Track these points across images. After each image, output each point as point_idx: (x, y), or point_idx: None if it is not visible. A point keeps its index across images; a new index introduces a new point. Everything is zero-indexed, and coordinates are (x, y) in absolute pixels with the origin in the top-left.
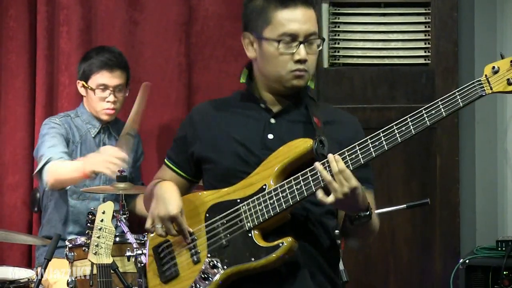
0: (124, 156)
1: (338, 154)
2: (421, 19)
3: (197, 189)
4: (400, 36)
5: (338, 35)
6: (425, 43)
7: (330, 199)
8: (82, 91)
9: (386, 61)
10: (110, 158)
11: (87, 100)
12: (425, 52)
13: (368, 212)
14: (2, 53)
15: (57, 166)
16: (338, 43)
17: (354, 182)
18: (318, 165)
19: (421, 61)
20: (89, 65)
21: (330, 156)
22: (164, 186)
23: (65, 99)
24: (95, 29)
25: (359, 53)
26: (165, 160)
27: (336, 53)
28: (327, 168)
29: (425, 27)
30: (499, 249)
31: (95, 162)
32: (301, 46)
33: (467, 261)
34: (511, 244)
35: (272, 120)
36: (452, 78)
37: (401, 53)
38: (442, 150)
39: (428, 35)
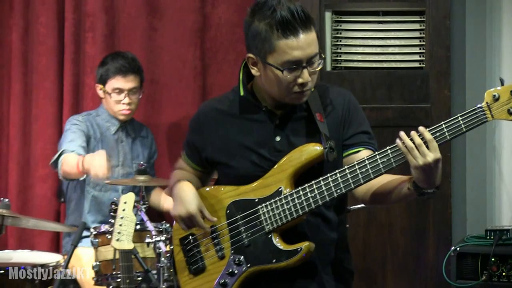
0: (104, 173)
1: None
2: (416, 26)
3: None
4: (397, 42)
5: (340, 41)
6: (420, 49)
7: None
8: (100, 93)
9: (384, 64)
10: (96, 170)
11: (105, 101)
12: (420, 56)
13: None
14: (33, 56)
15: (66, 159)
16: (340, 48)
17: (439, 154)
18: (401, 140)
19: (416, 65)
20: (105, 71)
21: (421, 128)
22: (182, 187)
23: (90, 99)
24: (118, 35)
25: (359, 57)
26: (182, 154)
27: (338, 57)
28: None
29: (420, 33)
30: (488, 237)
31: (88, 162)
32: (305, 70)
33: (458, 248)
34: (499, 233)
35: (277, 122)
36: (444, 81)
37: (398, 57)
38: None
39: (423, 41)
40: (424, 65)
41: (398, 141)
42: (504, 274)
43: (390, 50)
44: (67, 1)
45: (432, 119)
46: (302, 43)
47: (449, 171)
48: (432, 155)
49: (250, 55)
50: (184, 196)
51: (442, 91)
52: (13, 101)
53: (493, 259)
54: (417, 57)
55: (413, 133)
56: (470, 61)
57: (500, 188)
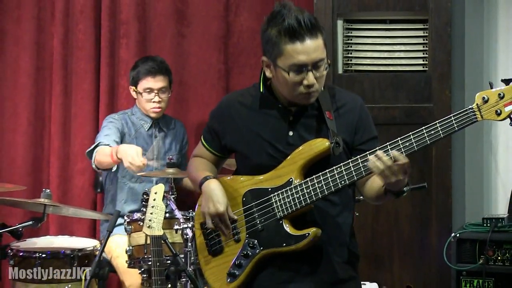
0: (138, 165)
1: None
2: (420, 33)
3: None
4: (403, 47)
5: (351, 46)
6: (423, 53)
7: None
8: (133, 94)
9: (391, 68)
10: (131, 160)
11: (138, 101)
12: (423, 60)
13: (408, 187)
14: (73, 60)
15: (101, 149)
16: (351, 53)
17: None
18: (375, 158)
19: (420, 68)
20: (136, 73)
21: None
22: (212, 186)
23: (124, 99)
24: (149, 41)
25: (368, 61)
26: (202, 139)
27: (349, 61)
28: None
29: (423, 40)
30: (485, 225)
31: (123, 154)
32: (310, 73)
33: (457, 235)
34: (495, 221)
35: (291, 118)
36: (446, 83)
37: (403, 61)
38: (437, 142)
39: (426, 46)
40: (427, 68)
41: (371, 158)
42: (499, 258)
43: (396, 54)
44: (103, 10)
45: (434, 118)
46: (308, 48)
47: (450, 165)
48: (400, 175)
49: (264, 58)
50: (214, 195)
51: (443, 91)
52: (54, 101)
53: (489, 245)
54: (420, 61)
55: (380, 153)
56: (469, 65)
57: (496, 180)
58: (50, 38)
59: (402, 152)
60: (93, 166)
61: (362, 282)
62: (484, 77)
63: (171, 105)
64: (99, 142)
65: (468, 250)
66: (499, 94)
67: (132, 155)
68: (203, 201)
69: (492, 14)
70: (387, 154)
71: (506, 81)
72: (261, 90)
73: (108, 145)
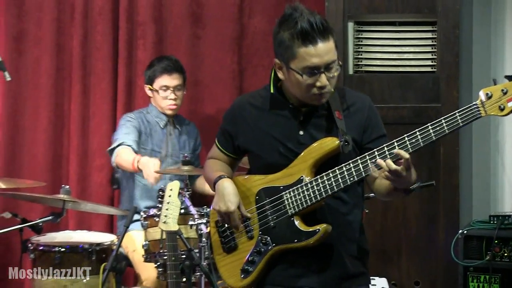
0: (153, 180)
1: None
2: (429, 35)
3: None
4: (411, 49)
5: (361, 47)
6: (432, 55)
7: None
8: (149, 93)
9: (400, 69)
10: (149, 173)
11: (154, 100)
12: (431, 62)
13: (417, 184)
14: (91, 61)
15: (123, 152)
16: (361, 54)
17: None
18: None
19: (428, 69)
20: (152, 72)
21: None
22: (224, 184)
23: (141, 98)
24: (166, 42)
25: (378, 62)
26: (216, 142)
27: (360, 62)
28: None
29: (432, 41)
30: (491, 222)
31: (144, 165)
32: (322, 75)
33: (465, 232)
34: (501, 218)
35: (301, 118)
36: (453, 83)
37: (412, 62)
38: (445, 141)
39: (434, 48)
40: (435, 69)
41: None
42: (506, 254)
43: (405, 56)
44: (121, 12)
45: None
46: (320, 51)
47: (457, 163)
48: (404, 172)
49: (277, 60)
50: (226, 194)
51: (451, 92)
52: (73, 100)
53: (496, 241)
54: (429, 62)
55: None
56: (476, 66)
57: (502, 178)
58: (70, 40)
59: (408, 149)
60: (113, 165)
61: (371, 277)
62: (491, 78)
63: (186, 104)
64: (122, 142)
65: (475, 247)
66: (502, 90)
67: (151, 168)
68: (215, 199)
69: (500, 17)
70: (389, 154)
71: (510, 77)
72: (272, 91)
73: (130, 146)
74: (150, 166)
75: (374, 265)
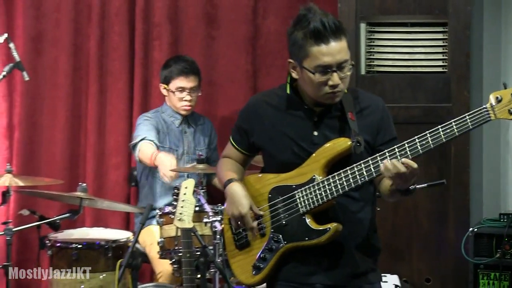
0: (169, 177)
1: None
2: (440, 36)
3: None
4: (423, 50)
5: (373, 48)
6: (443, 55)
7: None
8: (164, 92)
9: (411, 69)
10: (165, 171)
11: (168, 99)
12: (442, 62)
13: (415, 187)
14: (108, 61)
15: (145, 147)
16: (373, 55)
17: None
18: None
19: (439, 69)
20: (169, 72)
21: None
22: (234, 189)
23: (156, 98)
24: (181, 43)
25: (390, 62)
26: (230, 139)
27: (371, 63)
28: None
29: (443, 42)
30: (502, 220)
31: (160, 161)
32: (334, 74)
33: (475, 230)
34: (511, 216)
35: (315, 119)
36: (464, 84)
37: (423, 63)
38: (456, 141)
39: (445, 48)
40: (446, 70)
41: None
42: None
43: (417, 56)
44: (137, 13)
45: (452, 117)
46: (332, 50)
47: (468, 163)
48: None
49: (291, 60)
50: (236, 199)
51: (462, 92)
52: (90, 99)
53: (506, 239)
54: (440, 63)
55: (395, 161)
56: (487, 66)
57: None
58: (87, 40)
59: (418, 150)
60: (137, 159)
61: (382, 274)
62: (501, 79)
63: (201, 103)
64: (145, 137)
65: (485, 245)
66: None
67: (167, 166)
68: (227, 205)
69: (510, 18)
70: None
71: None
72: (288, 91)
73: (152, 141)
74: (166, 164)
75: (385, 262)
